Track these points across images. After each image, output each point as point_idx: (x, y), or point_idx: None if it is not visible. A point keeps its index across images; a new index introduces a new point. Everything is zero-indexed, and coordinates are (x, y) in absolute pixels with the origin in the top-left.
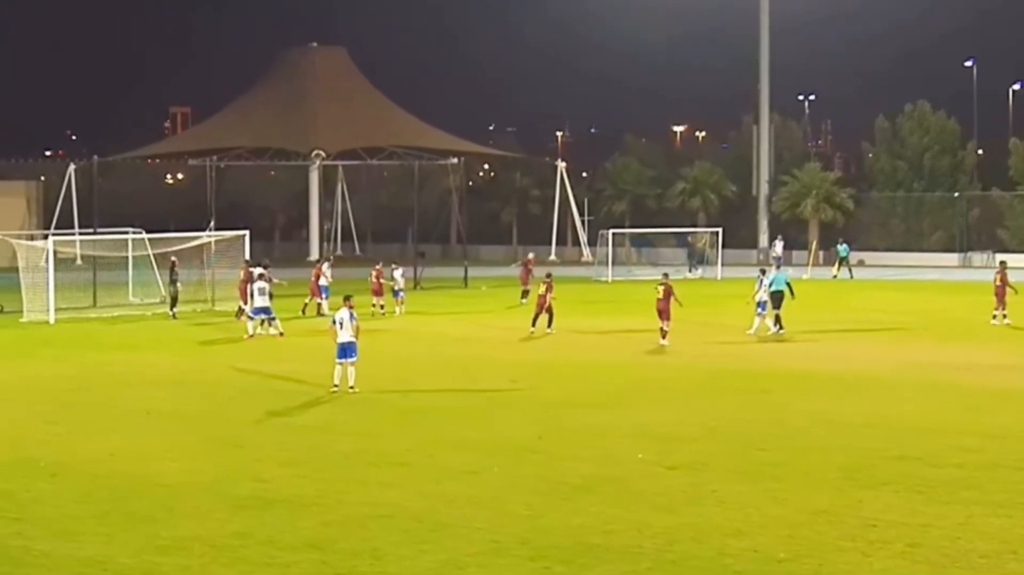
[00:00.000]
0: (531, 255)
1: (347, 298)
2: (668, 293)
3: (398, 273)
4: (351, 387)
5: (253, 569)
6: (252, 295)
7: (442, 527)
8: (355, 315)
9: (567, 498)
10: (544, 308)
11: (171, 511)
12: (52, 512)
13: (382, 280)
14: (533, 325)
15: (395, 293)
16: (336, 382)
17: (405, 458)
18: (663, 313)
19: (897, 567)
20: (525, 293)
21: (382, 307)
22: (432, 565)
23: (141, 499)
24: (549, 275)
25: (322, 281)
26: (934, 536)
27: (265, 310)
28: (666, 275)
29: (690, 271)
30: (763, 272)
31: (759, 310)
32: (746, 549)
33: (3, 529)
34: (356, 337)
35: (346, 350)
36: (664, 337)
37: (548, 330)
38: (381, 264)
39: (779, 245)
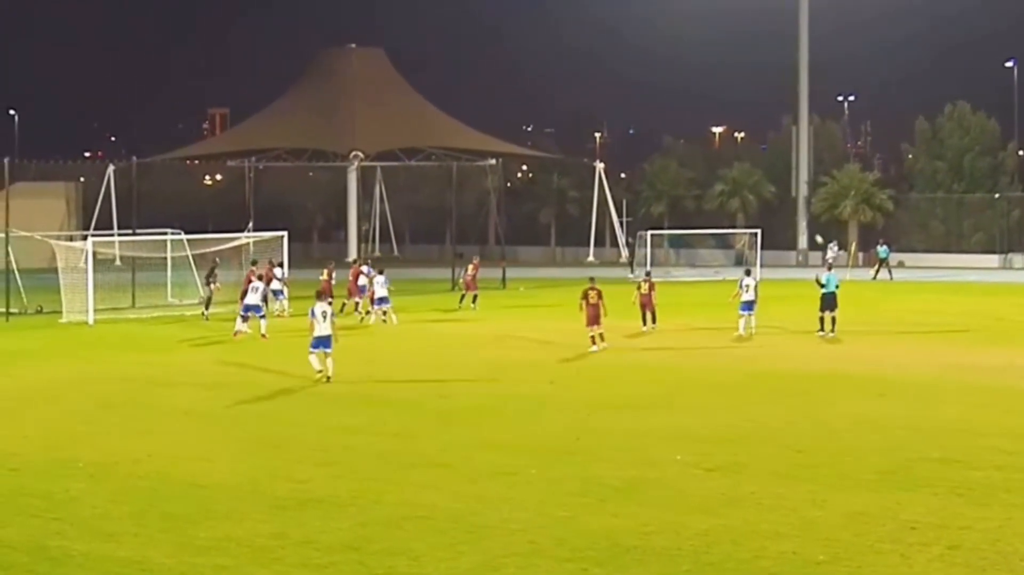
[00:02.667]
0: (476, 259)
1: (320, 294)
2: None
3: (380, 280)
4: (328, 377)
5: (290, 570)
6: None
7: (479, 528)
8: (333, 313)
9: (605, 500)
10: (647, 307)
11: (208, 512)
12: (90, 512)
13: (359, 282)
14: (644, 323)
15: (377, 301)
16: (319, 367)
17: (442, 459)
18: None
19: (936, 570)
20: (470, 297)
21: (357, 307)
22: (469, 566)
23: (179, 500)
24: (648, 274)
25: (361, 280)
26: (974, 538)
27: (256, 308)
28: (648, 273)
29: (632, 272)
30: (748, 273)
31: (742, 311)
32: (785, 551)
33: (41, 529)
34: (333, 331)
35: (325, 341)
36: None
37: (652, 326)
38: (362, 265)
39: (833, 248)
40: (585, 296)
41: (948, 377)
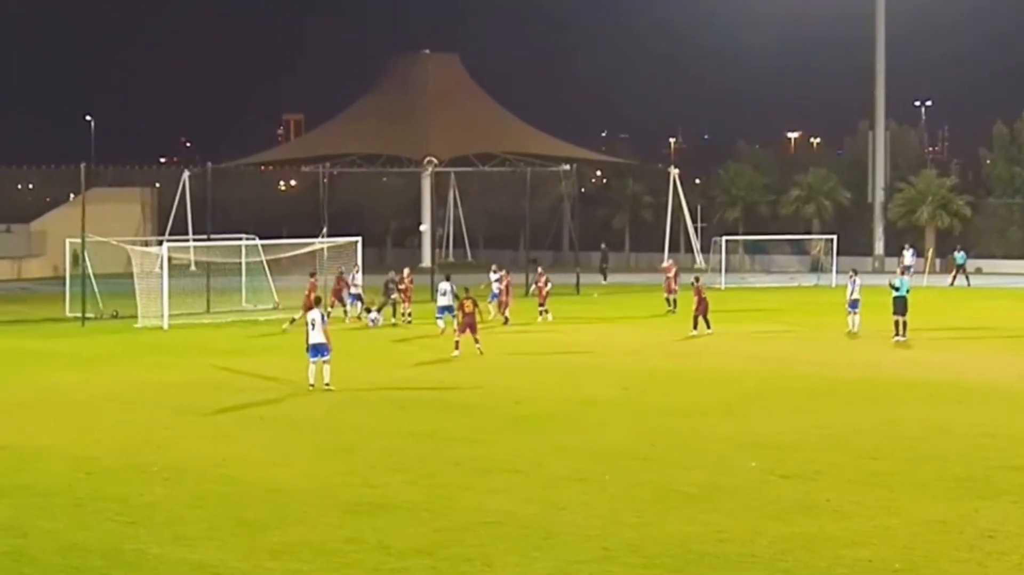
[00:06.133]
0: (669, 261)
1: (318, 301)
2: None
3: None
4: (327, 384)
5: (363, 574)
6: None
7: (553, 534)
8: (325, 318)
9: (679, 506)
10: (701, 310)
11: (282, 516)
12: (165, 516)
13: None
14: (695, 327)
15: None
16: (312, 380)
17: (516, 465)
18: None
19: None
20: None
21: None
22: (542, 572)
23: (252, 504)
24: (698, 279)
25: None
26: None
27: (448, 308)
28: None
29: (605, 279)
30: (855, 272)
31: (850, 308)
32: (860, 559)
33: (117, 532)
34: (327, 338)
35: (318, 350)
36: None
37: (708, 331)
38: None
39: (908, 254)
40: (461, 306)
41: None
